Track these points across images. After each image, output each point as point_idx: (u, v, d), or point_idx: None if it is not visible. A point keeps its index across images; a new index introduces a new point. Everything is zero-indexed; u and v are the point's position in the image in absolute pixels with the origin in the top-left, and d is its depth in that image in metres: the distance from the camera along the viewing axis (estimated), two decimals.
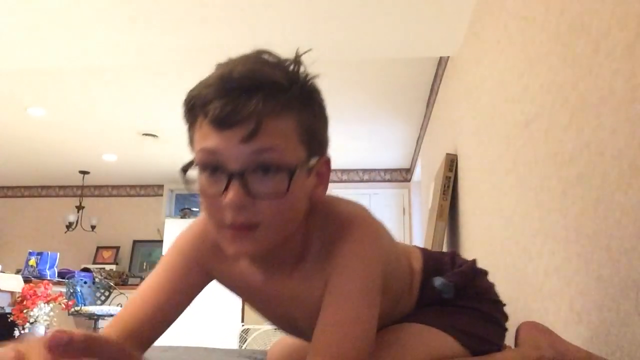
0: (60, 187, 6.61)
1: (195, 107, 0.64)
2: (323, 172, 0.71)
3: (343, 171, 5.90)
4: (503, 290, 1.70)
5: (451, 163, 2.60)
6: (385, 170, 5.86)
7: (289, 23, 2.36)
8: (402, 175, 5.83)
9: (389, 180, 5.86)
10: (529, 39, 1.44)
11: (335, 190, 5.87)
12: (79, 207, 6.11)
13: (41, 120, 4.35)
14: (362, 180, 5.89)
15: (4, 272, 4.38)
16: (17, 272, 4.76)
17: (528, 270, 1.42)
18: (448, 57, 2.84)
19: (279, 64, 0.67)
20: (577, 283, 1.07)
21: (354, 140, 4.88)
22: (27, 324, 3.77)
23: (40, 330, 3.82)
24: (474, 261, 0.98)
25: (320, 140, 0.70)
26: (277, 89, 0.63)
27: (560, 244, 1.17)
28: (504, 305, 0.97)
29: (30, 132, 4.69)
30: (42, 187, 6.68)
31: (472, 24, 2.26)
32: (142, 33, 2.51)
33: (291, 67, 0.67)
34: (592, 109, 1.01)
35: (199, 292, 0.82)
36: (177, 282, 0.78)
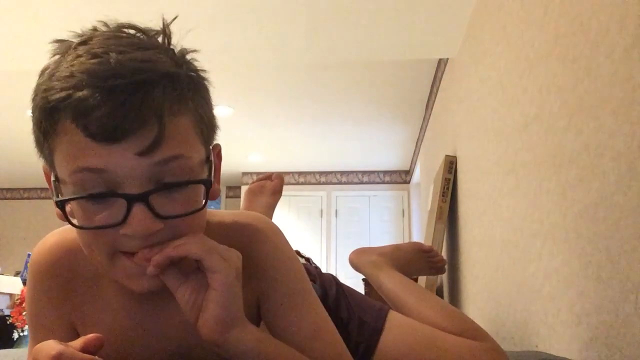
0: None
1: (59, 113, 0.48)
2: (216, 164, 0.58)
3: (342, 173, 5.91)
4: (502, 292, 1.70)
5: (450, 165, 2.60)
6: (385, 172, 5.87)
7: (288, 25, 2.36)
8: (401, 177, 5.84)
9: (388, 182, 5.86)
10: (528, 41, 1.44)
11: (334, 192, 5.87)
12: None
13: None
14: (361, 182, 5.90)
15: (3, 275, 4.37)
16: (17, 274, 4.75)
17: (527, 272, 1.42)
18: (447, 59, 2.84)
19: (156, 44, 0.53)
20: (576, 285, 1.07)
21: (353, 142, 4.88)
22: (26, 326, 3.76)
23: None
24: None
25: (213, 127, 0.57)
26: (174, 81, 0.50)
27: (559, 245, 1.17)
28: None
29: (29, 134, 4.68)
30: (42, 189, 6.68)
31: (471, 26, 2.26)
32: None
33: (165, 44, 0.54)
34: (591, 110, 1.01)
35: None
36: None
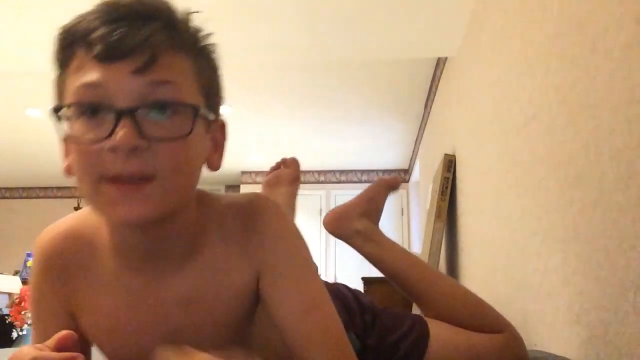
0: (58, 188, 6.60)
1: (74, 40, 0.54)
2: (218, 138, 0.63)
3: (341, 172, 5.91)
4: (501, 291, 1.71)
5: (449, 164, 2.60)
6: (384, 171, 5.86)
7: (288, 25, 2.36)
8: (400, 176, 5.84)
9: None
10: (527, 40, 1.44)
11: (333, 191, 5.87)
12: (77, 208, 6.07)
13: (39, 121, 4.34)
14: (360, 181, 5.89)
15: (2, 274, 4.37)
16: (16, 273, 4.75)
17: (526, 270, 1.42)
18: (446, 57, 2.85)
19: (176, 11, 0.59)
20: (575, 283, 1.07)
21: (352, 141, 4.89)
22: (25, 326, 3.76)
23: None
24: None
25: (218, 96, 0.62)
26: (173, 24, 0.56)
27: (558, 244, 1.17)
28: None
29: (28, 133, 4.68)
30: (40, 189, 6.67)
31: (470, 25, 2.26)
32: None
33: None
34: (590, 109, 1.01)
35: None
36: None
